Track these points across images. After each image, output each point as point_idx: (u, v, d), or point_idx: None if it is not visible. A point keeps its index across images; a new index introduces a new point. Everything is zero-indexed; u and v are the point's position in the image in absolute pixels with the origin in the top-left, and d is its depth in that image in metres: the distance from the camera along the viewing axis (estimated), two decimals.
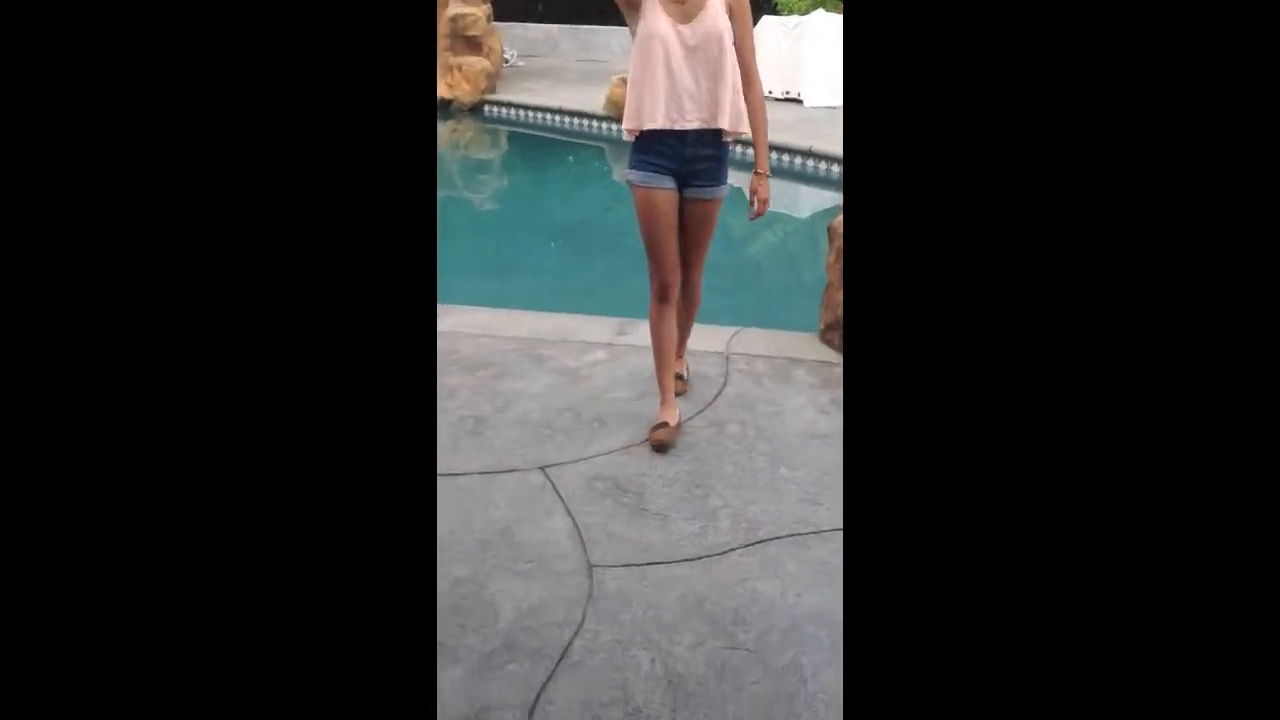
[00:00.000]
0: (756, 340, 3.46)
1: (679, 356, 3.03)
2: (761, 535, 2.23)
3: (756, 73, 2.58)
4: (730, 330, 3.53)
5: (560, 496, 2.37)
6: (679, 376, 2.98)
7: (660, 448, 2.64)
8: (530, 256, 5.69)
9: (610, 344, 3.39)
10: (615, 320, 3.61)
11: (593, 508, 2.33)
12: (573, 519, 2.27)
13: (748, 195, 2.69)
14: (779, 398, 2.98)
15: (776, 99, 9.85)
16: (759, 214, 2.66)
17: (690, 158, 2.54)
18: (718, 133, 2.52)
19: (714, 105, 2.48)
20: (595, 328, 3.55)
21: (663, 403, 2.79)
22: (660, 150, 2.53)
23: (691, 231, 2.66)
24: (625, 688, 1.72)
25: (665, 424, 2.71)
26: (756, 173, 2.64)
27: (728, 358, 3.29)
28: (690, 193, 2.60)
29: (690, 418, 2.83)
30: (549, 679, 1.73)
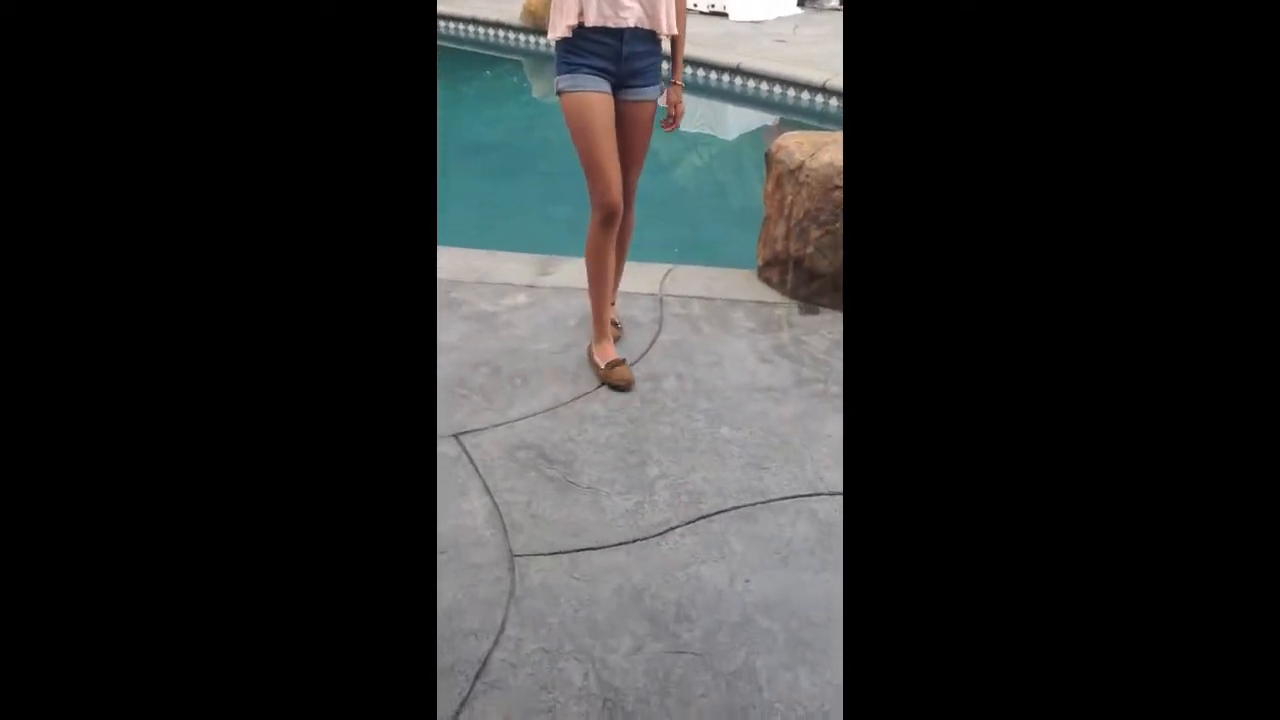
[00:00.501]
0: (691, 279, 3.17)
1: (611, 303, 2.74)
2: (704, 509, 1.99)
3: None
4: (662, 268, 3.23)
5: (477, 470, 2.08)
6: (613, 324, 2.69)
7: (626, 387, 2.44)
8: (440, 185, 5.16)
9: (532, 285, 3.06)
10: (537, 258, 3.27)
11: (515, 483, 2.04)
12: (491, 498, 1.99)
13: (664, 106, 2.47)
14: (718, 345, 2.72)
15: (701, 13, 9.34)
16: (675, 124, 2.50)
17: (628, 56, 2.30)
18: (653, 31, 2.32)
19: (650, 3, 2.28)
20: (514, 266, 3.21)
21: (600, 336, 2.53)
22: (596, 51, 2.28)
23: (629, 139, 2.41)
24: (554, 711, 1.48)
25: (621, 360, 2.48)
26: (674, 83, 2.47)
27: (661, 300, 3.00)
28: (627, 95, 2.36)
29: None
30: (462, 706, 1.47)
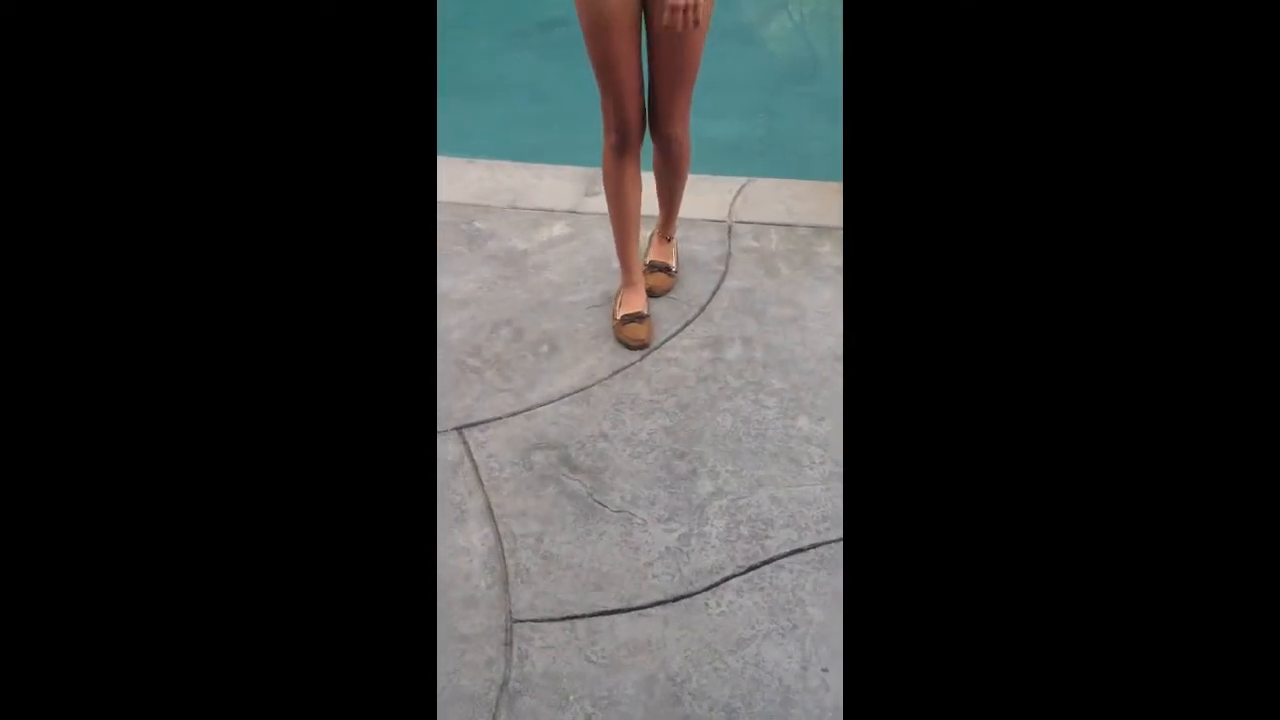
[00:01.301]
0: (768, 198, 2.56)
1: (666, 238, 2.18)
2: (771, 548, 1.49)
3: None
4: (735, 183, 2.62)
5: (481, 483, 1.62)
6: (664, 269, 2.14)
7: (635, 346, 1.95)
8: (465, 76, 3.91)
9: (573, 211, 2.51)
10: (583, 171, 2.70)
11: (527, 503, 1.59)
12: (495, 527, 1.54)
13: None
14: (798, 293, 2.14)
15: None
16: (686, 21, 1.53)
17: None
18: None
19: None
20: (556, 185, 2.65)
21: (626, 283, 2.03)
22: None
23: (666, 46, 1.68)
24: None
25: (640, 315, 1.97)
26: None
27: (730, 229, 2.42)
28: None
29: (675, 333, 2.01)
30: None
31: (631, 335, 1.95)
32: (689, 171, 2.01)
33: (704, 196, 2.50)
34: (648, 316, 1.99)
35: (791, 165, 2.87)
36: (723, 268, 2.24)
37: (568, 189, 2.62)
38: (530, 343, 1.99)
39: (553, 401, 1.82)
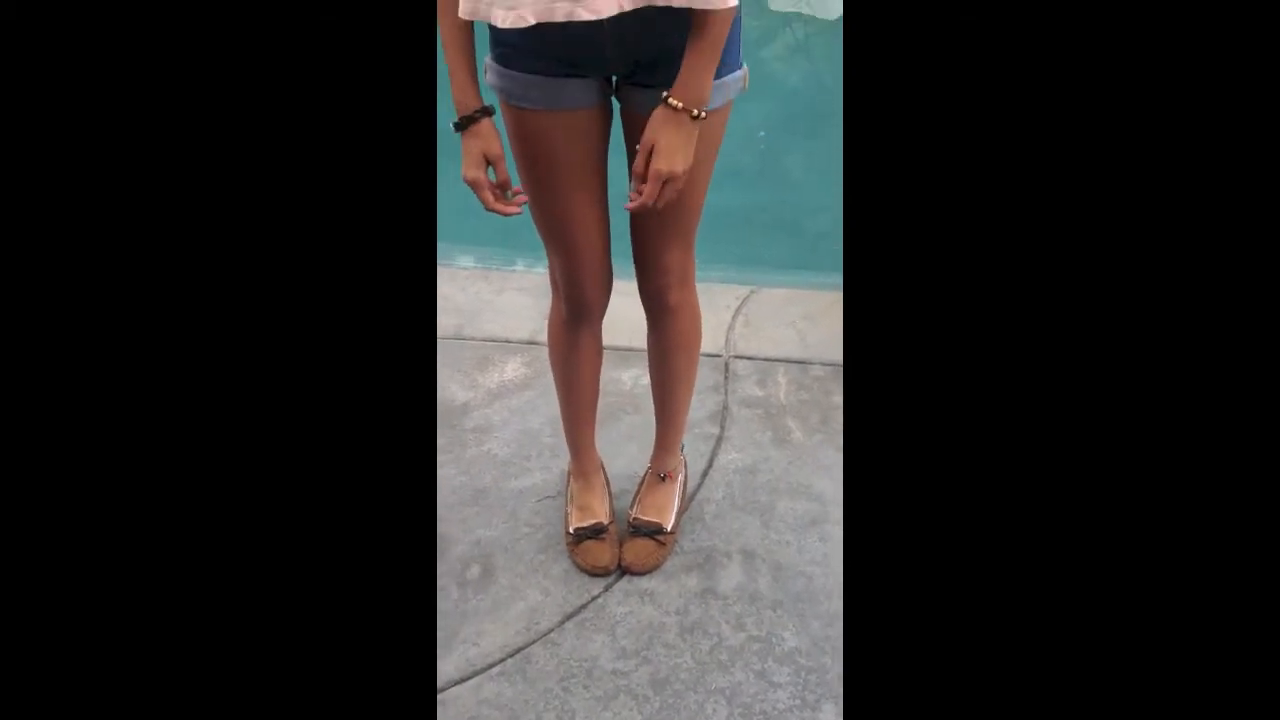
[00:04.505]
0: (776, 316, 1.97)
1: (660, 473, 1.45)
2: None
3: None
4: (735, 296, 2.05)
5: None
6: (650, 533, 1.39)
7: (598, 572, 1.36)
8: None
9: (532, 341, 1.94)
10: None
11: None
12: None
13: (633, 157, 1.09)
14: (814, 474, 1.55)
15: None
16: (641, 203, 1.04)
17: (630, 46, 1.04)
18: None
19: None
20: (514, 302, 2.08)
21: (578, 474, 1.45)
22: (561, 42, 1.03)
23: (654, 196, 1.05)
24: None
25: (598, 528, 1.38)
26: (666, 100, 0.99)
27: (727, 367, 1.84)
28: (640, 96, 1.07)
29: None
30: None
31: (591, 564, 1.36)
32: (699, 352, 1.36)
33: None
34: (608, 527, 1.41)
35: (799, 261, 2.29)
36: (717, 430, 1.67)
37: (529, 308, 2.05)
38: (456, 562, 1.41)
39: (476, 674, 1.24)
